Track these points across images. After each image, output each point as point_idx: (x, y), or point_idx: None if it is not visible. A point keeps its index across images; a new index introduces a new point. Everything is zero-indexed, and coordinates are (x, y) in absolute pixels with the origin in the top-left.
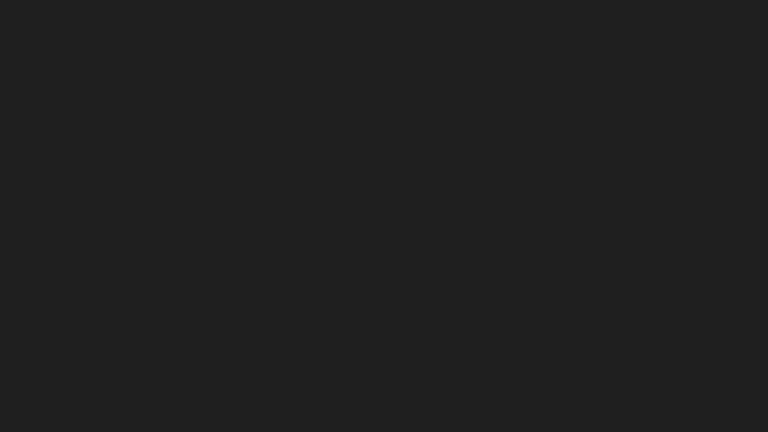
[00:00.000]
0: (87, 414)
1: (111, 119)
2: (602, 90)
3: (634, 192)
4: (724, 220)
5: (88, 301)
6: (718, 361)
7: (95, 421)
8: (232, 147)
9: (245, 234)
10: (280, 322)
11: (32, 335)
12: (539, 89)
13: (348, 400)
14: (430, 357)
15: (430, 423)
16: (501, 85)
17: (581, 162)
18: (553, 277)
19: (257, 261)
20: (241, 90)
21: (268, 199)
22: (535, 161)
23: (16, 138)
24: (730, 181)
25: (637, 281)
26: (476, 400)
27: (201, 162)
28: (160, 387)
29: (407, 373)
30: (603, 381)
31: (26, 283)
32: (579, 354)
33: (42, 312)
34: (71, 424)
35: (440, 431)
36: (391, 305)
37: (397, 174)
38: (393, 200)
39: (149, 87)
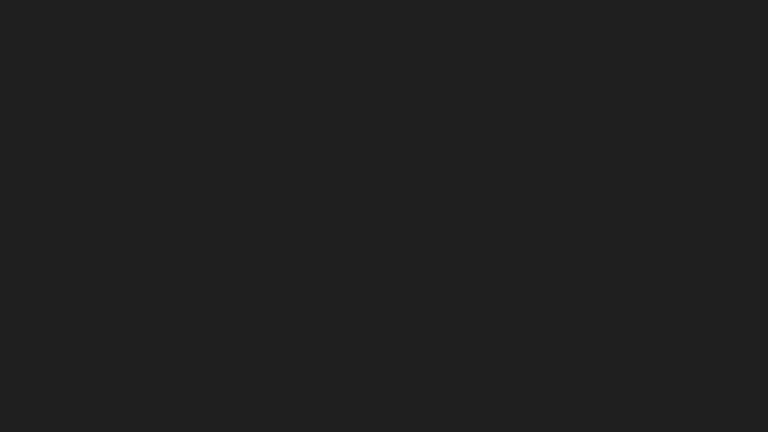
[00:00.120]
0: (87, 414)
1: (111, 119)
2: (603, 90)
3: (634, 192)
4: (724, 220)
5: (88, 301)
6: (718, 361)
7: (95, 421)
8: (232, 147)
9: (245, 234)
10: (280, 322)
11: (32, 335)
12: (539, 89)
13: (348, 400)
14: (430, 357)
15: (430, 423)
16: (501, 85)
17: (581, 162)
18: (553, 277)
19: (257, 261)
20: (241, 90)
21: (268, 199)
22: (535, 161)
23: (16, 138)
24: (730, 181)
25: (637, 281)
26: (476, 400)
27: (201, 162)
28: (160, 387)
29: (407, 373)
30: (603, 381)
31: (26, 283)
32: (579, 354)
33: (42, 312)
34: (71, 424)
35: (440, 431)
36: (391, 305)
37: (397, 174)
38: (393, 200)
39: (149, 87)
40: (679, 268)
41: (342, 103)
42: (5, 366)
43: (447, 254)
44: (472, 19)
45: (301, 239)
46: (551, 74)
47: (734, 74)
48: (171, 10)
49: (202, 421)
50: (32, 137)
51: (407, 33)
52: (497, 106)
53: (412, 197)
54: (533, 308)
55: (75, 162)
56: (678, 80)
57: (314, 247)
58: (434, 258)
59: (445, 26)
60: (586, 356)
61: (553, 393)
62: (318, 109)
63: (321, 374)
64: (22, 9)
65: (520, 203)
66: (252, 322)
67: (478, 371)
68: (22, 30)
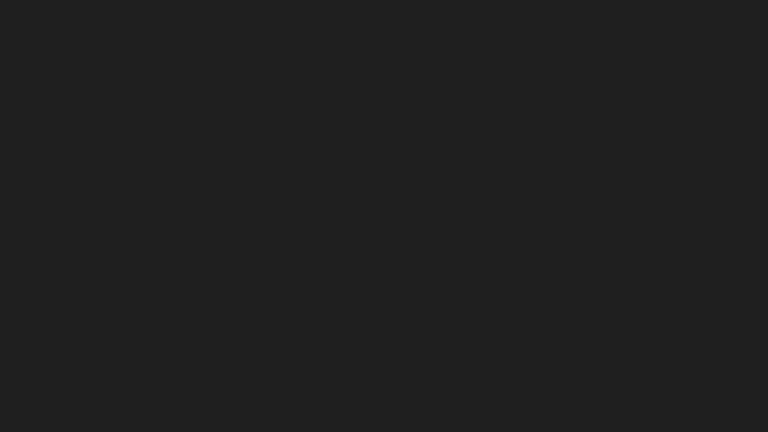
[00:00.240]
0: (87, 414)
1: (111, 119)
2: (603, 90)
3: (634, 191)
4: (724, 220)
5: (88, 301)
6: (718, 361)
7: (95, 421)
8: (232, 147)
9: (245, 234)
10: (280, 322)
11: (32, 335)
12: (539, 89)
13: (348, 400)
14: (430, 357)
15: (430, 423)
16: (501, 85)
17: (581, 162)
18: (553, 277)
19: (257, 261)
20: (241, 90)
21: (268, 199)
22: (535, 161)
23: (16, 138)
24: (730, 181)
25: (637, 281)
26: (476, 400)
27: (201, 162)
28: (160, 387)
29: (407, 373)
30: (603, 381)
31: (26, 283)
32: (579, 354)
33: (42, 312)
34: (71, 424)
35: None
36: (391, 305)
37: (397, 174)
38: (393, 200)
39: (149, 87)
40: (679, 268)
41: (342, 104)
42: (5, 366)
43: (447, 254)
44: (472, 19)
45: (301, 239)
46: (551, 74)
47: (734, 74)
48: (171, 10)
49: (202, 421)
50: (32, 137)
51: (407, 33)
52: (497, 106)
53: (412, 197)
54: (533, 308)
55: (75, 162)
56: (678, 80)
57: (314, 247)
58: (434, 258)
59: (445, 26)
60: (586, 356)
61: (553, 393)
62: (318, 109)
63: (321, 374)
64: (22, 9)
65: (520, 203)
66: (252, 322)
67: (478, 371)
68: (22, 30)
